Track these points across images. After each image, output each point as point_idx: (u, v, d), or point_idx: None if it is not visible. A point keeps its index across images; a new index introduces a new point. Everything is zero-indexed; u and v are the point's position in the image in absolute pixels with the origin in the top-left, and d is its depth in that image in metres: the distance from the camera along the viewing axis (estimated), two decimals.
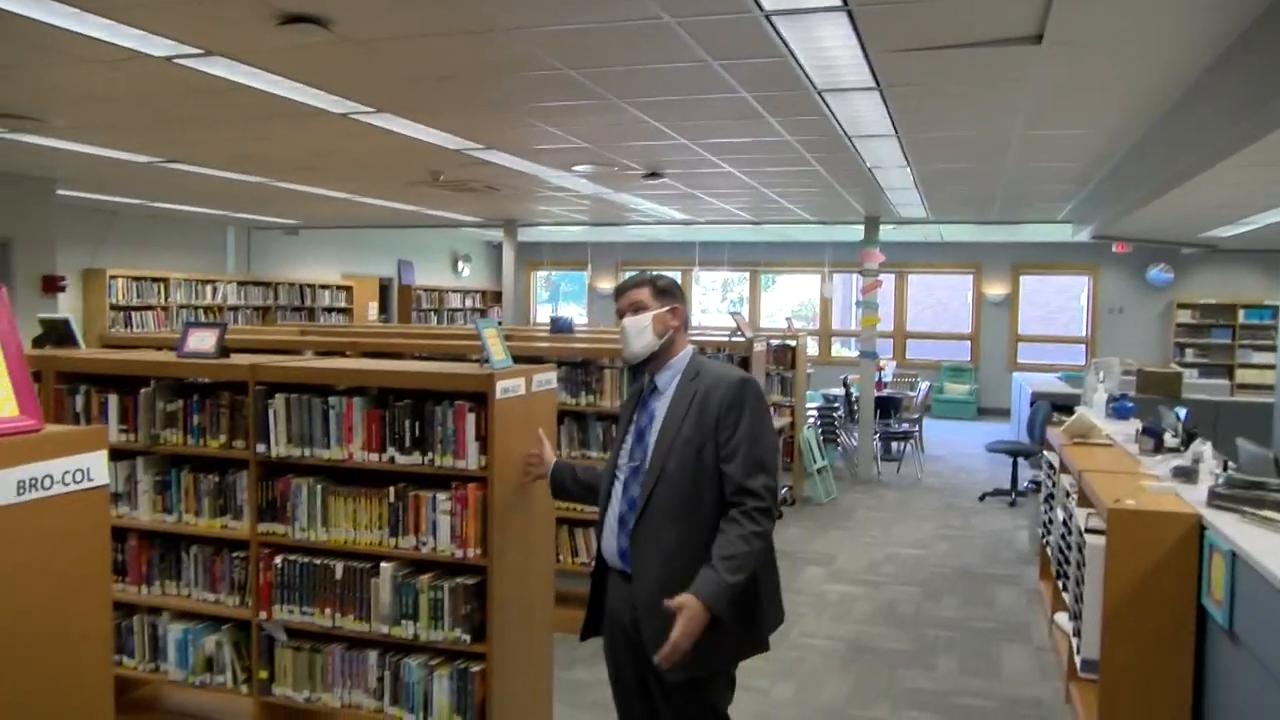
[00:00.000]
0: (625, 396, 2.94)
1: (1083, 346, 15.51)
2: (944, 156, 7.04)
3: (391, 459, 3.39)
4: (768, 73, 4.67)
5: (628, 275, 2.84)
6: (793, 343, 9.04)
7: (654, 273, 2.78)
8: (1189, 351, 14.74)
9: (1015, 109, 5.40)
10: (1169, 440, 4.91)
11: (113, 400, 3.74)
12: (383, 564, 3.39)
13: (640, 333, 2.64)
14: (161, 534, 3.73)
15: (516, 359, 3.64)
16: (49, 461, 1.68)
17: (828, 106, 5.35)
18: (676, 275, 17.41)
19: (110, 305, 11.32)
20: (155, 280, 12.04)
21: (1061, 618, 4.81)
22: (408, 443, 3.36)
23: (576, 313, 18.36)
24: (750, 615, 2.58)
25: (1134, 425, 5.57)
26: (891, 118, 5.62)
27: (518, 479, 3.39)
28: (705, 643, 2.45)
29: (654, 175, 8.12)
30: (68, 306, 10.46)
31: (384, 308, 16.35)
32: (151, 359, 3.94)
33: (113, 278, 11.41)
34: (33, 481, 1.65)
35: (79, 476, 1.73)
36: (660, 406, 2.67)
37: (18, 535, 1.61)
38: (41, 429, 1.72)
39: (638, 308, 2.66)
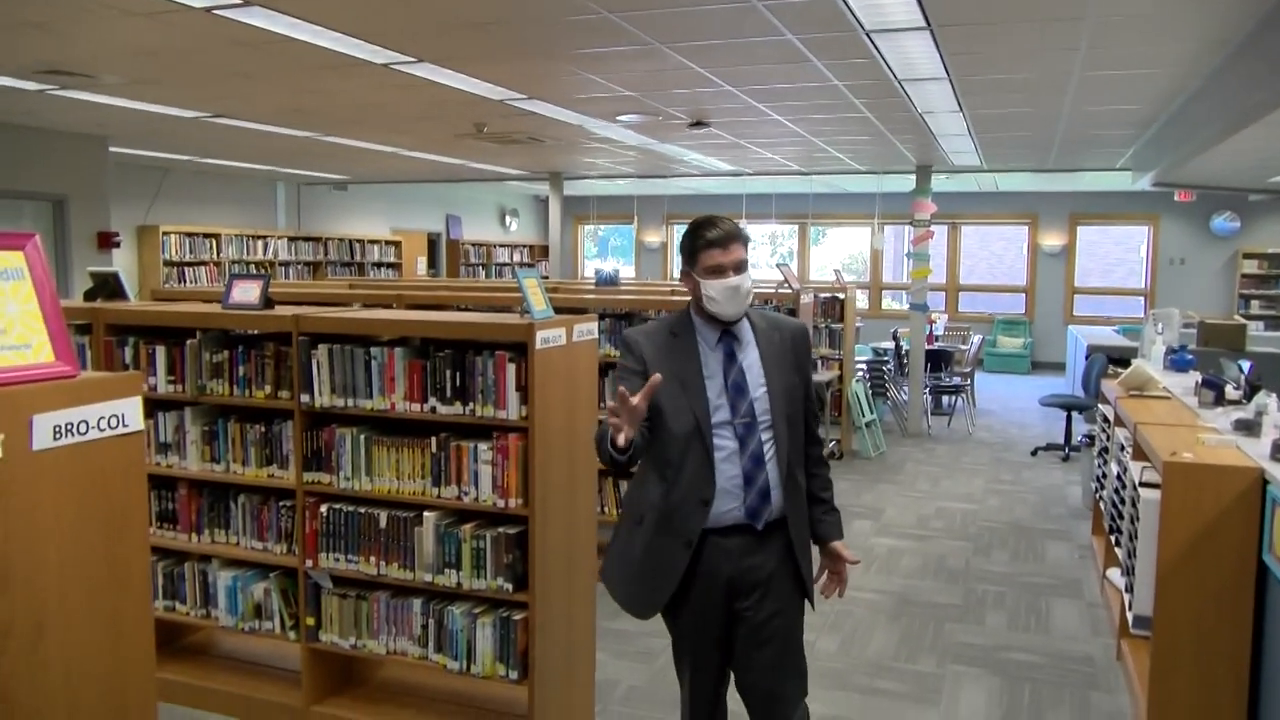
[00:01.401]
0: (643, 356, 2.60)
1: (1141, 299, 15.12)
2: (998, 100, 6.83)
3: (433, 409, 3.39)
4: (814, 13, 4.53)
5: (718, 222, 2.55)
6: (841, 295, 8.92)
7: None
8: (1255, 303, 14.31)
9: (1073, 47, 5.20)
10: (1230, 393, 4.75)
11: (160, 351, 3.79)
12: (426, 513, 3.41)
13: (750, 292, 2.58)
14: (210, 483, 3.79)
15: (563, 311, 3.61)
16: (84, 407, 1.68)
17: (876, 48, 5.19)
18: None
19: (164, 261, 11.50)
20: (207, 236, 12.19)
21: (1114, 573, 4.72)
22: (449, 393, 3.36)
23: (618, 266, 18.26)
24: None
25: (1193, 378, 5.41)
26: (943, 59, 5.45)
27: (559, 429, 3.38)
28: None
29: (699, 124, 8.00)
30: (123, 262, 10.64)
31: (432, 263, 16.42)
32: (197, 310, 3.97)
33: (166, 234, 11.57)
34: (69, 427, 1.65)
35: (114, 422, 1.73)
36: (749, 358, 2.60)
37: (55, 480, 1.62)
38: (77, 375, 1.72)
39: (741, 266, 2.54)
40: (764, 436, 2.57)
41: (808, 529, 2.70)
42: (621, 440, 2.38)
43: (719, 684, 2.72)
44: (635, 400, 2.36)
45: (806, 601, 2.71)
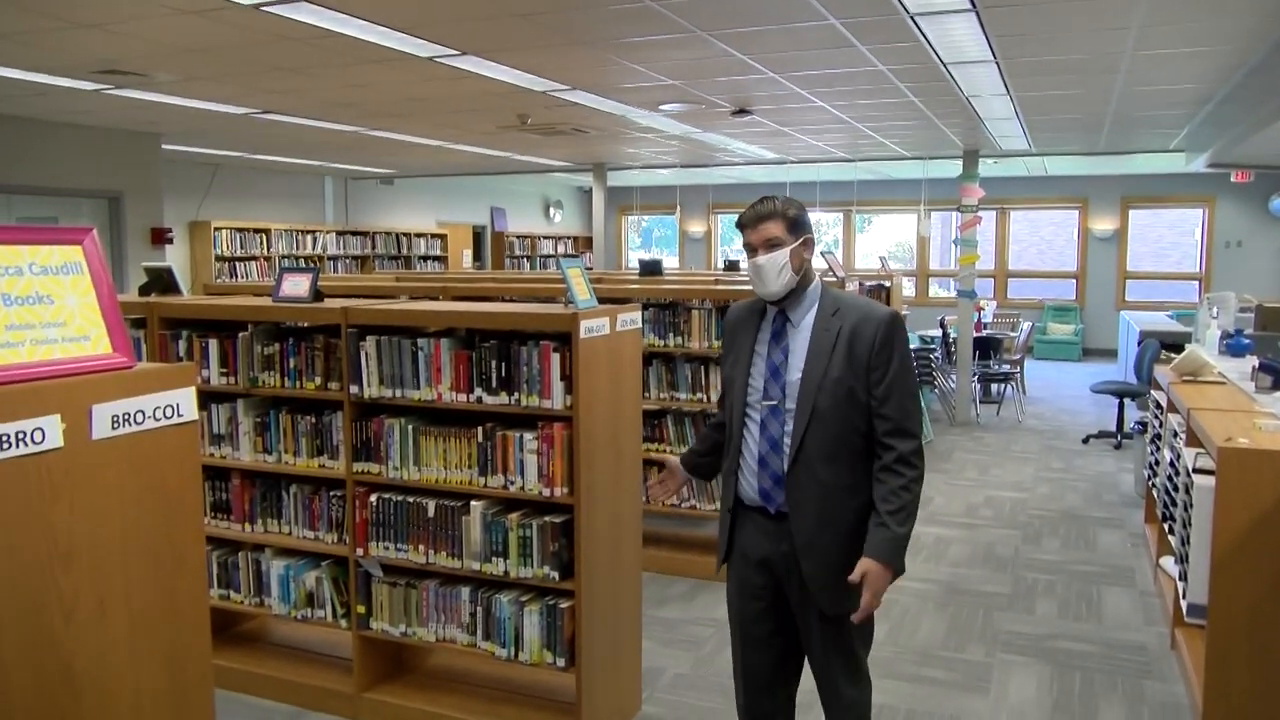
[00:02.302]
0: (727, 331, 2.75)
1: (1196, 283, 14.79)
2: (1047, 82, 6.71)
3: (479, 399, 3.42)
4: None
5: (758, 203, 2.55)
6: (887, 283, 8.83)
7: (781, 199, 2.56)
8: None
9: (1124, 26, 5.10)
10: None
11: (213, 344, 3.87)
12: (473, 502, 3.45)
13: (779, 272, 2.49)
14: (262, 474, 3.86)
15: (607, 301, 3.62)
16: (140, 397, 1.72)
17: (921, 31, 5.13)
18: None
19: (215, 256, 11.70)
20: (257, 231, 12.38)
21: (1167, 561, 4.64)
22: (494, 383, 3.39)
23: (664, 256, 18.25)
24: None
25: (1250, 363, 5.28)
26: (989, 41, 5.37)
27: (604, 418, 3.40)
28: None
29: (743, 112, 7.96)
30: (175, 257, 10.85)
31: (478, 255, 16.54)
32: (248, 304, 4.05)
33: (217, 229, 11.77)
34: (126, 416, 1.69)
35: (169, 412, 1.77)
36: (798, 343, 2.55)
37: (114, 467, 1.66)
38: (133, 366, 1.76)
39: (773, 244, 2.49)
40: (787, 424, 2.53)
41: (832, 534, 2.52)
42: (665, 499, 3.19)
43: (769, 658, 2.70)
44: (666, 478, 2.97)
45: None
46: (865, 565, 2.44)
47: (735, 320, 2.73)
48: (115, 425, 1.67)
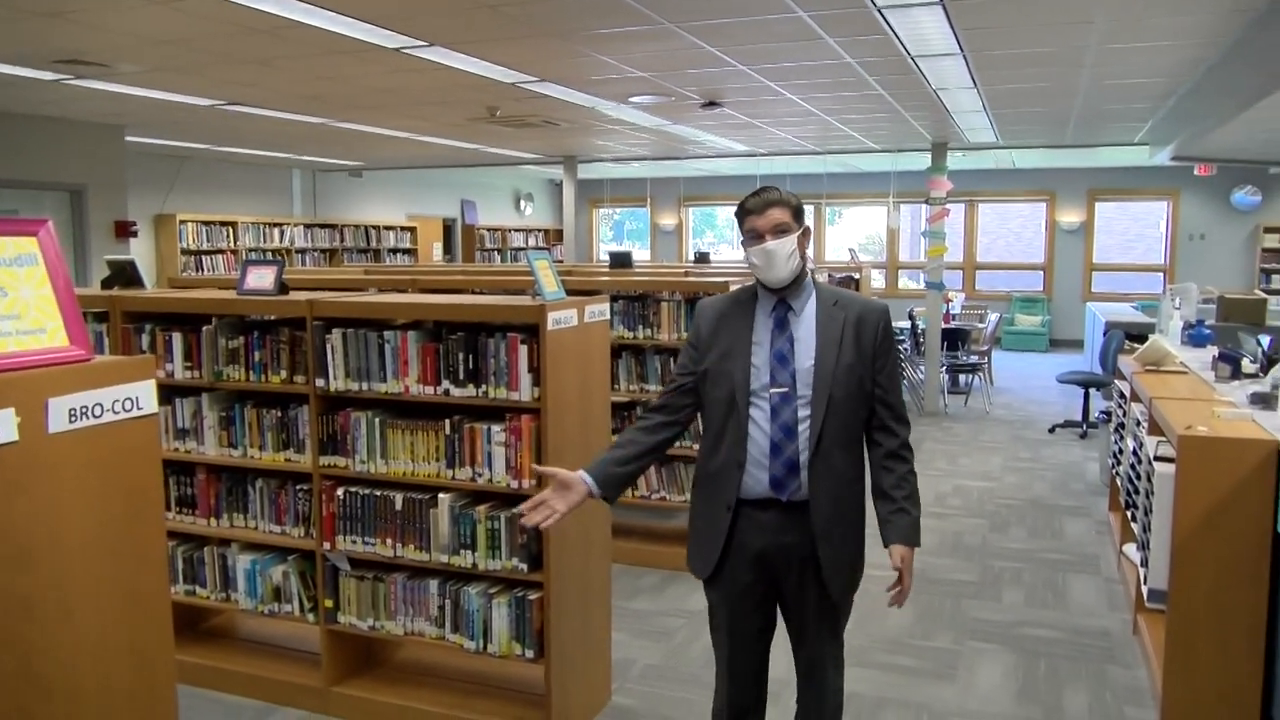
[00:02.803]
0: (705, 324, 2.68)
1: (1161, 275, 14.98)
2: (1014, 75, 6.77)
3: (446, 392, 3.41)
4: None
5: (761, 190, 2.58)
6: (856, 275, 8.89)
7: (782, 189, 2.60)
8: (1276, 278, 14.15)
9: (1089, 20, 5.15)
10: (1247, 367, 4.72)
11: (177, 338, 3.82)
12: (441, 495, 3.44)
13: (789, 257, 2.52)
14: (228, 468, 3.83)
15: (577, 293, 3.62)
16: (99, 390, 1.70)
17: (889, 24, 5.15)
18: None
19: (181, 249, 11.56)
20: (224, 224, 12.25)
21: (1130, 548, 4.70)
22: (462, 375, 3.38)
23: (635, 249, 18.24)
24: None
25: (1211, 352, 5.37)
26: (956, 34, 5.40)
27: (572, 409, 3.40)
28: (858, 560, 2.66)
29: (712, 104, 7.97)
30: (141, 251, 10.72)
31: (448, 248, 16.46)
32: (212, 297, 4.00)
33: (183, 222, 11.62)
34: (84, 410, 1.67)
35: (128, 405, 1.76)
36: (803, 331, 2.56)
37: (72, 461, 1.65)
38: (91, 359, 1.74)
39: (782, 229, 2.51)
40: (801, 411, 2.53)
41: (843, 519, 2.57)
42: (542, 526, 2.57)
43: (757, 652, 2.71)
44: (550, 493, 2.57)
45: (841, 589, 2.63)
46: (899, 551, 2.55)
47: (717, 313, 2.67)
48: (73, 419, 1.65)
